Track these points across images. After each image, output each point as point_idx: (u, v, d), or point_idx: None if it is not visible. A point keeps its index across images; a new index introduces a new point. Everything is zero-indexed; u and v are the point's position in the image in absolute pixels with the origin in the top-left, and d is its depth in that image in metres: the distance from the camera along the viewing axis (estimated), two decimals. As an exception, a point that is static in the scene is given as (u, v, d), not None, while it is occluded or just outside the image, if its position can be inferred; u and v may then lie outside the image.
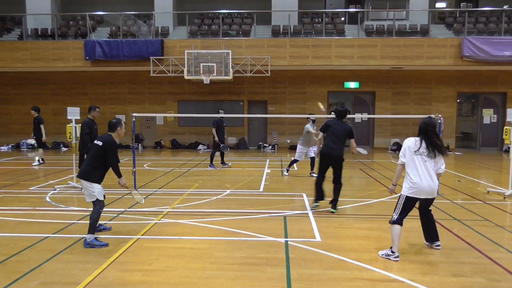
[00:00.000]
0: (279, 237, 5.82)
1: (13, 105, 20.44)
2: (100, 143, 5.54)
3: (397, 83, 19.58)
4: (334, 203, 7.40)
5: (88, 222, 5.46)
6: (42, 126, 13.21)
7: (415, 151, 4.95)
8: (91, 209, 5.45)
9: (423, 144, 4.95)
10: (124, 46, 17.53)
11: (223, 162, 13.38)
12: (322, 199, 7.61)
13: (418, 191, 4.93)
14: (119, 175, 5.72)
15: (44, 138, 13.28)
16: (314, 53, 17.49)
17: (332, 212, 7.29)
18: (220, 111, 13.30)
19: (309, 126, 11.38)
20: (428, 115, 5.29)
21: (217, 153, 13.20)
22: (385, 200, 8.35)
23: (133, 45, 17.56)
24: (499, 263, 4.88)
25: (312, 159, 11.39)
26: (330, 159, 7.42)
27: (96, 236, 5.48)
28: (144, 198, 8.41)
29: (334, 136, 7.35)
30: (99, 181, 5.58)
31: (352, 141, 7.48)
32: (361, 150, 7.97)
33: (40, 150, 13.64)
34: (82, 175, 5.53)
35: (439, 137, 5.04)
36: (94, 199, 5.52)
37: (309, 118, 11.69)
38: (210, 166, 13.00)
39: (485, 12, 20.76)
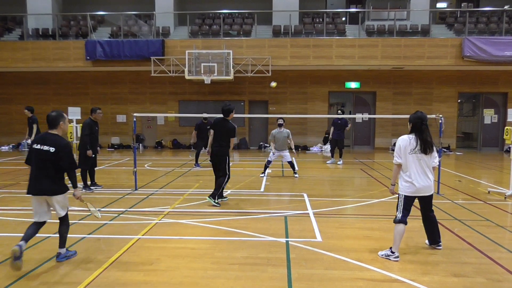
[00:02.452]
0: (280, 237, 5.82)
1: (15, 105, 20.44)
2: (52, 149, 4.64)
3: (398, 83, 19.58)
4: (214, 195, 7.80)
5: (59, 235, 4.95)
6: (35, 126, 12.91)
7: (411, 150, 4.92)
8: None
9: (418, 142, 4.91)
10: (125, 46, 17.55)
11: (196, 163, 13.37)
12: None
13: (415, 190, 4.95)
14: (75, 184, 4.93)
15: (32, 138, 12.97)
16: (315, 53, 17.49)
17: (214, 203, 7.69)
18: (204, 114, 13.34)
19: (275, 132, 11.44)
20: (419, 111, 5.16)
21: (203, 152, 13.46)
22: (386, 200, 8.35)
23: (134, 45, 17.57)
24: (500, 263, 4.88)
25: (290, 162, 11.44)
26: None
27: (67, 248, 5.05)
28: (145, 198, 8.44)
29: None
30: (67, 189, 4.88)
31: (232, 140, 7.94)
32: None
33: None
34: (53, 192, 4.72)
35: (429, 132, 4.97)
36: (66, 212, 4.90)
37: (278, 122, 11.62)
38: (195, 165, 13.17)
39: (486, 12, 20.75)
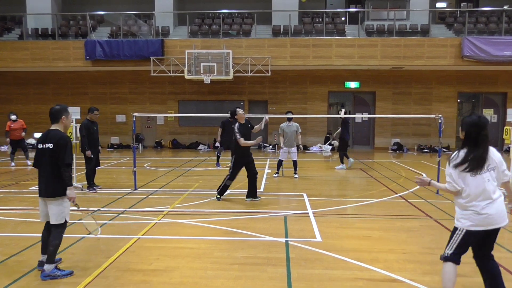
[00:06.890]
0: (279, 237, 5.82)
1: (14, 105, 20.41)
2: (50, 145, 4.41)
3: (398, 83, 19.58)
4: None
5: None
6: None
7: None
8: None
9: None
10: (125, 46, 17.54)
11: (217, 163, 13.18)
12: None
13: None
14: (68, 182, 4.44)
15: None
16: (314, 53, 17.49)
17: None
18: (230, 111, 12.54)
19: (284, 125, 11.36)
20: (475, 113, 3.67)
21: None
22: (385, 200, 8.34)
23: (134, 45, 17.57)
24: (500, 263, 4.85)
25: (294, 162, 11.31)
26: None
27: (56, 264, 4.53)
28: (145, 198, 8.42)
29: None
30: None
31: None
32: None
33: None
34: (46, 193, 4.48)
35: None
36: (62, 221, 4.47)
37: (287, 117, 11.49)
38: (216, 165, 12.99)
39: (486, 12, 20.75)
